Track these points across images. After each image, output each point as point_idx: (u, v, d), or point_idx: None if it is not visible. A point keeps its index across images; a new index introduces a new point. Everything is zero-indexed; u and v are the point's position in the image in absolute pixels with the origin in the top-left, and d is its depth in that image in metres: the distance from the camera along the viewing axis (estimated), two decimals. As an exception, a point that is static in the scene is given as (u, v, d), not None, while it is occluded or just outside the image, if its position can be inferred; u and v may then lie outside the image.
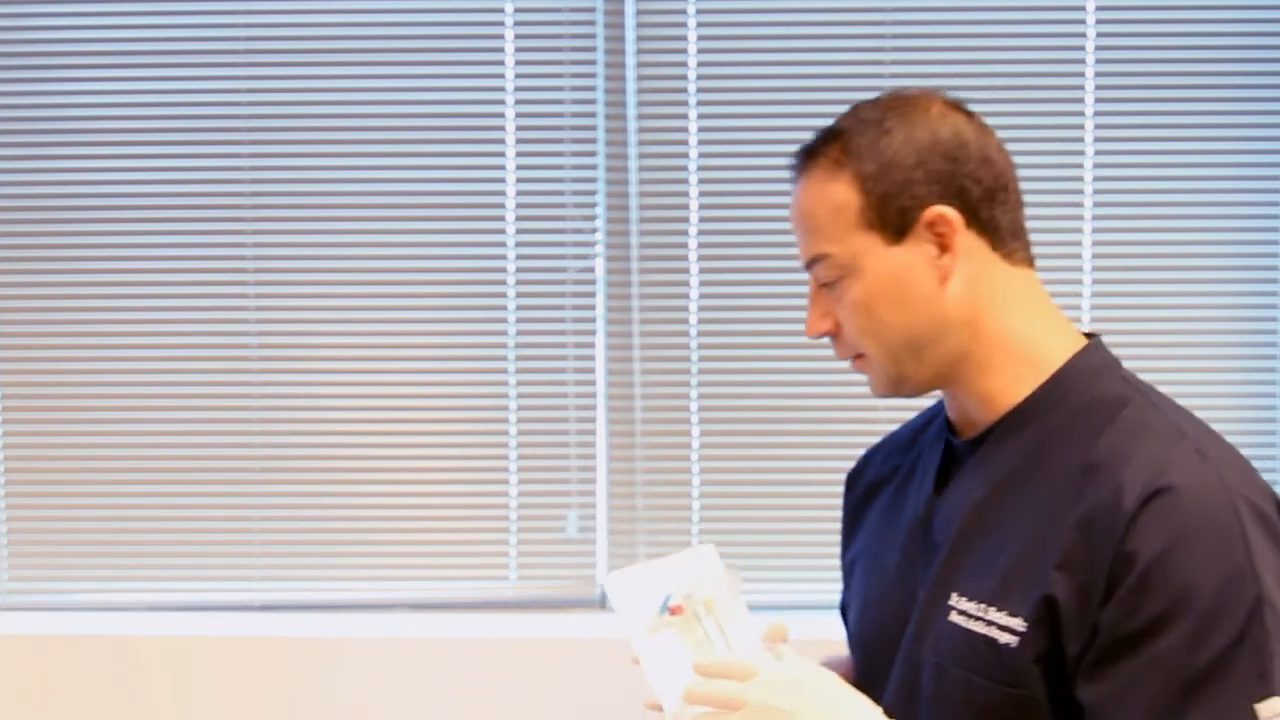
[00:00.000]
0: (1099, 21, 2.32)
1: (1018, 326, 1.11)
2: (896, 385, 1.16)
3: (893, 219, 1.10)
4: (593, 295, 2.38)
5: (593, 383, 2.38)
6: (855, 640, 1.24)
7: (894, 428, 1.34)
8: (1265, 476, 2.37)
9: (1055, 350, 1.11)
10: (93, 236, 2.38)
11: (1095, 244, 2.34)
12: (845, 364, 1.22)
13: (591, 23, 2.34)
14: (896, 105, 1.15)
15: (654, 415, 2.37)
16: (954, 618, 1.08)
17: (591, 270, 2.38)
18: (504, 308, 2.38)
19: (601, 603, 2.40)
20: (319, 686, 2.32)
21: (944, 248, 1.10)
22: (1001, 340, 1.11)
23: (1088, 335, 1.15)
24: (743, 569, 2.41)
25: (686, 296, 2.36)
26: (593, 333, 2.38)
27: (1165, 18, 2.32)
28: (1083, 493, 1.02)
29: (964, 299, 1.10)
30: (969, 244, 1.10)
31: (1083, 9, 2.32)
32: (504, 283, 2.38)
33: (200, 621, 2.38)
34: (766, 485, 2.37)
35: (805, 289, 1.21)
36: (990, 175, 1.11)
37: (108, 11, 2.36)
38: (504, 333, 2.38)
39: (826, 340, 1.19)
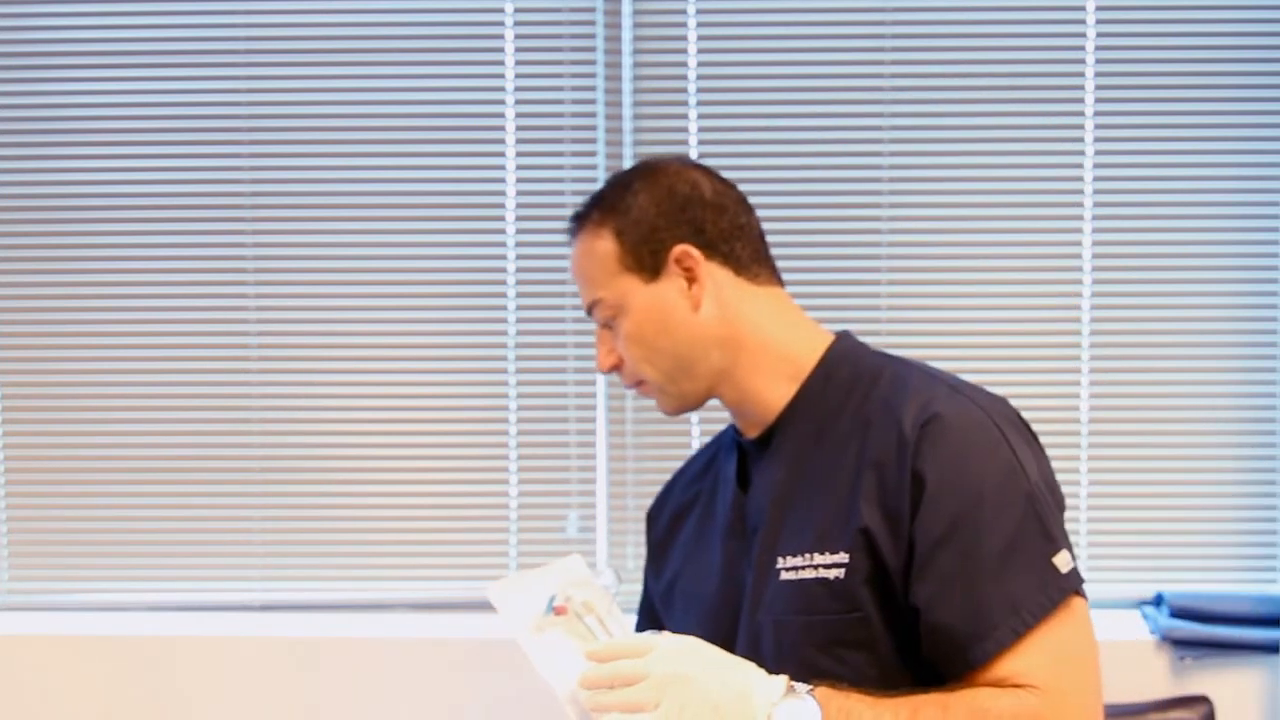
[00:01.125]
0: (1099, 21, 2.32)
1: (773, 335, 1.33)
2: (679, 401, 1.37)
3: (646, 260, 1.33)
4: (593, 295, 2.38)
5: (593, 383, 2.38)
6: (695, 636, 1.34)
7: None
8: (1265, 476, 2.38)
9: (811, 348, 1.34)
10: (93, 236, 2.38)
11: (1095, 244, 2.34)
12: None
13: (591, 23, 2.34)
14: (642, 171, 1.39)
15: (650, 415, 2.37)
16: (784, 576, 1.25)
17: (591, 270, 2.38)
18: (504, 308, 2.38)
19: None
20: (319, 686, 2.32)
21: (692, 279, 1.32)
22: (761, 348, 1.33)
23: (837, 334, 1.37)
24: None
25: (686, 296, 2.36)
26: (592, 333, 2.37)
27: (1165, 18, 2.32)
28: (866, 441, 1.23)
29: (719, 318, 1.32)
30: (715, 273, 1.33)
31: (1083, 9, 2.32)
32: (504, 283, 2.38)
33: (200, 621, 2.38)
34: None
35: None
36: (723, 219, 1.34)
37: (108, 11, 2.36)
38: (504, 333, 2.38)
39: None
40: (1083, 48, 2.32)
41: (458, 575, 2.41)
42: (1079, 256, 2.34)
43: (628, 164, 2.34)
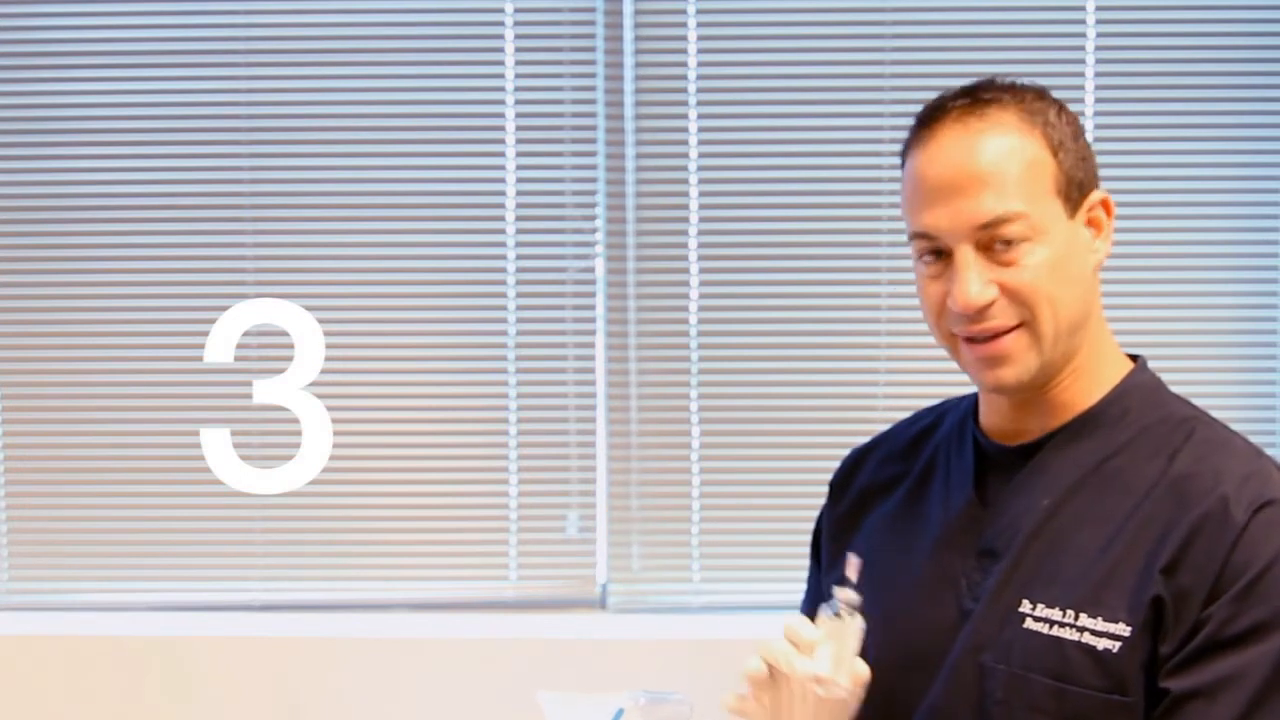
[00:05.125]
0: (1099, 21, 2.32)
1: (1107, 333, 1.14)
2: (1037, 371, 1.10)
3: (1073, 193, 1.09)
4: (592, 295, 2.38)
5: (593, 383, 2.38)
6: (870, 651, 1.17)
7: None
8: (1265, 476, 2.36)
9: (1116, 367, 1.14)
10: (93, 236, 2.38)
11: (1095, 244, 2.33)
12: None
13: (591, 23, 2.34)
14: (1045, 94, 1.14)
15: (650, 415, 2.37)
16: (1031, 625, 1.07)
17: (591, 270, 2.38)
18: (504, 308, 2.38)
19: (602, 603, 2.40)
20: (319, 686, 2.32)
21: (1099, 233, 1.12)
22: (1098, 344, 1.13)
23: (1133, 357, 1.17)
24: (743, 569, 2.41)
25: (685, 296, 2.36)
26: (593, 333, 2.38)
27: (1165, 18, 2.32)
28: (1182, 503, 1.04)
29: (1096, 292, 1.11)
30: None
31: (1083, 9, 2.32)
32: (504, 283, 2.38)
33: (200, 621, 2.38)
34: (766, 485, 2.37)
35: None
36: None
37: (108, 11, 2.36)
38: (504, 333, 2.38)
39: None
40: (1083, 48, 2.32)
41: (458, 575, 2.41)
42: (1079, 256, 2.34)
43: (628, 164, 2.34)
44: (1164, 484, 1.06)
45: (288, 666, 2.33)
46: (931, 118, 1.12)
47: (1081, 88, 2.32)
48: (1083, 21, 2.32)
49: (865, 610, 1.10)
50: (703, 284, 2.36)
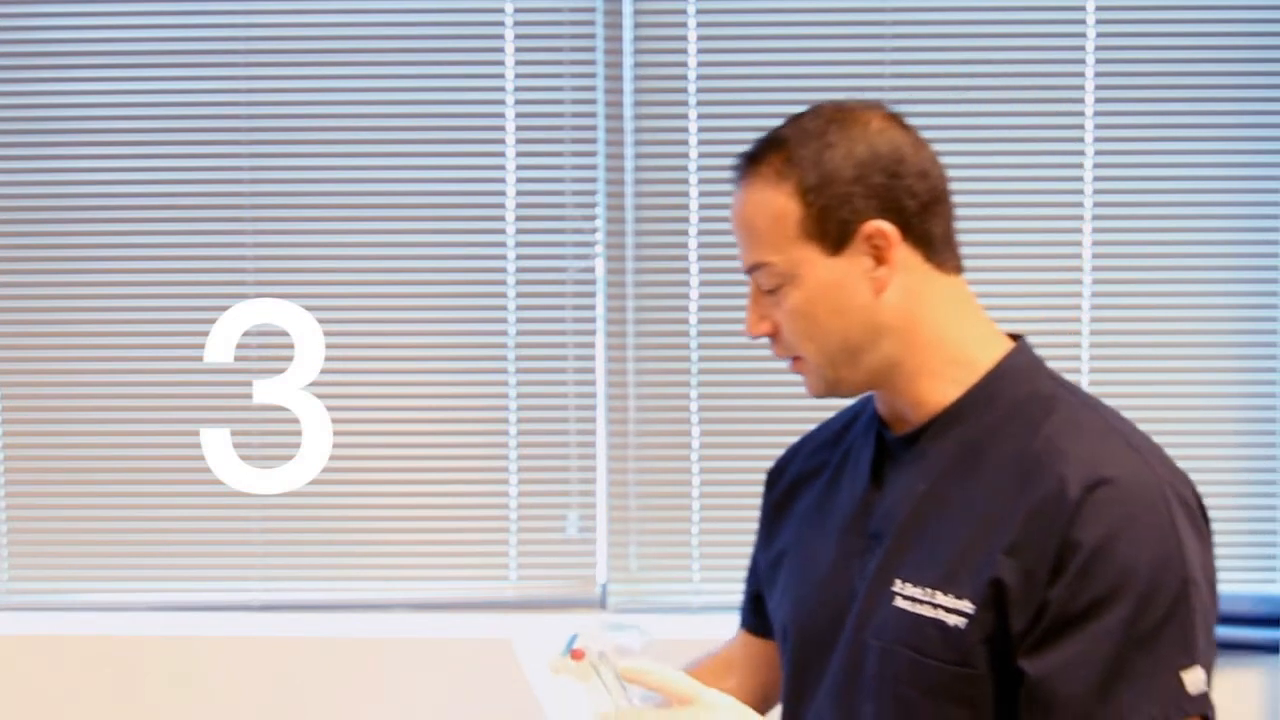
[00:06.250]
0: (1099, 21, 2.32)
1: (950, 332, 1.18)
2: (832, 387, 1.21)
3: (832, 231, 1.15)
4: (592, 295, 2.38)
5: (593, 383, 2.38)
6: (789, 628, 1.28)
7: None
8: (1265, 476, 2.38)
9: (985, 352, 1.18)
10: (93, 236, 2.38)
11: (1095, 244, 2.34)
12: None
13: (591, 23, 2.34)
14: (838, 118, 1.18)
15: (650, 415, 2.37)
16: (899, 603, 1.13)
17: (591, 270, 2.38)
18: (504, 308, 2.38)
19: (602, 603, 2.40)
20: (319, 686, 2.32)
21: (880, 260, 1.15)
22: (936, 345, 1.17)
23: (1014, 336, 1.21)
24: (743, 569, 2.40)
25: (685, 296, 2.36)
26: (592, 333, 2.38)
27: (1165, 18, 2.32)
28: (1025, 485, 1.09)
29: (899, 307, 1.16)
30: (904, 256, 1.15)
31: (1083, 9, 2.32)
32: (504, 283, 2.38)
33: (200, 621, 2.38)
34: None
35: None
36: (926, 188, 1.16)
37: (108, 11, 2.36)
38: (504, 333, 2.38)
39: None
40: (1083, 48, 2.32)
41: (458, 575, 2.41)
42: (1079, 256, 2.34)
43: (628, 164, 2.34)
44: (1016, 465, 1.11)
45: (288, 666, 2.33)
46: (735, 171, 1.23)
47: (1081, 88, 2.32)
48: (1083, 21, 2.32)
49: (777, 603, 1.24)
50: (702, 284, 2.36)
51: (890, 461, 1.22)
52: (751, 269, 1.20)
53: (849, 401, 1.33)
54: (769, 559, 1.36)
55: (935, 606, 1.11)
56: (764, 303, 1.21)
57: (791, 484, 1.36)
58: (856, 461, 1.27)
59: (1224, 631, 2.21)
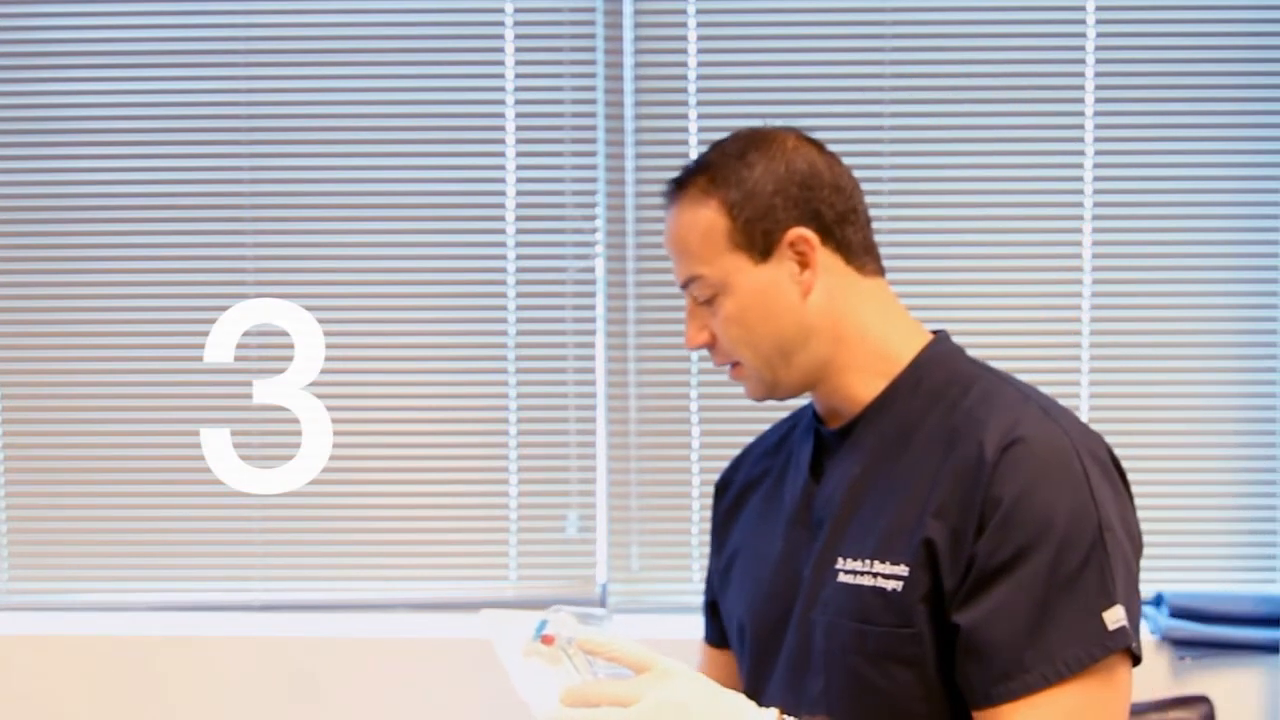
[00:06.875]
0: (1099, 21, 2.32)
1: (873, 329, 1.28)
2: (770, 388, 1.31)
3: (758, 240, 1.25)
4: (592, 295, 2.38)
5: (593, 383, 2.38)
6: (745, 623, 1.34)
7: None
8: (1265, 476, 2.38)
9: (907, 346, 1.28)
10: (93, 236, 2.38)
11: (1095, 244, 2.34)
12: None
13: (591, 23, 2.34)
14: (756, 140, 1.28)
15: (650, 415, 2.37)
16: (841, 578, 1.21)
17: (591, 270, 2.38)
18: (504, 308, 2.38)
19: (602, 603, 2.40)
20: (319, 686, 2.32)
21: (804, 264, 1.25)
22: (861, 342, 1.27)
23: (934, 332, 1.31)
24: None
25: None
26: (593, 333, 2.38)
27: (1165, 18, 2.32)
28: (948, 453, 1.18)
29: (825, 308, 1.26)
30: (826, 260, 1.25)
31: (1083, 9, 2.32)
32: (504, 283, 2.38)
33: (201, 621, 2.38)
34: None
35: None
36: (841, 200, 1.26)
37: (108, 11, 2.36)
38: (504, 333, 2.38)
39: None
40: (1083, 48, 2.32)
41: (458, 575, 2.41)
42: (1079, 256, 2.34)
43: (628, 164, 2.34)
44: (940, 438, 1.20)
45: (288, 666, 2.33)
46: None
47: (1081, 88, 2.32)
48: (1083, 22, 2.32)
49: (731, 602, 1.34)
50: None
51: (828, 455, 1.31)
52: (687, 283, 1.30)
53: (803, 401, 1.39)
54: (721, 565, 1.43)
55: (875, 575, 1.19)
56: (701, 314, 1.30)
57: (739, 492, 1.45)
58: (798, 462, 1.36)
59: (1224, 631, 2.21)
